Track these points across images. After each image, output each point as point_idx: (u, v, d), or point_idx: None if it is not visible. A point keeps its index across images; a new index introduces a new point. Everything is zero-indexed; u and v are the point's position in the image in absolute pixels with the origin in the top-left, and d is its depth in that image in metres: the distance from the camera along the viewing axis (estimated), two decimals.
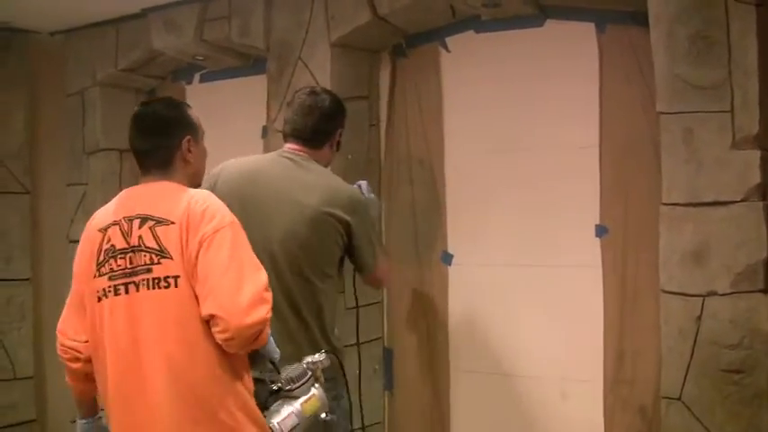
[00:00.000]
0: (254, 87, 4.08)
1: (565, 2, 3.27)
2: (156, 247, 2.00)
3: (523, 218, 3.43)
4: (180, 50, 4.19)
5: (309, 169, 2.63)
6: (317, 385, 2.16)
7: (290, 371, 2.13)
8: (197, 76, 4.49)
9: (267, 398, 2.12)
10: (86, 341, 2.11)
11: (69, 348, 2.14)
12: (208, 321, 1.95)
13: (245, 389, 2.03)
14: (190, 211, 2.00)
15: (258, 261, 2.02)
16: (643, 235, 3.06)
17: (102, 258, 2.06)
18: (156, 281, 1.98)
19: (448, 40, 3.64)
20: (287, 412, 2.08)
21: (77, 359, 2.14)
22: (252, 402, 2.04)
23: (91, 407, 2.27)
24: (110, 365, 2.03)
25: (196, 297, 1.97)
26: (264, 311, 1.93)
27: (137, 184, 2.18)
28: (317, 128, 2.68)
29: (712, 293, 2.60)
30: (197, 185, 2.21)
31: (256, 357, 2.08)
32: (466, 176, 3.60)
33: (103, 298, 2.04)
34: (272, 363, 2.10)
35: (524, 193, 3.43)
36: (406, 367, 3.76)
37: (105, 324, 2.03)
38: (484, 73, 3.54)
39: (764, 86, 2.56)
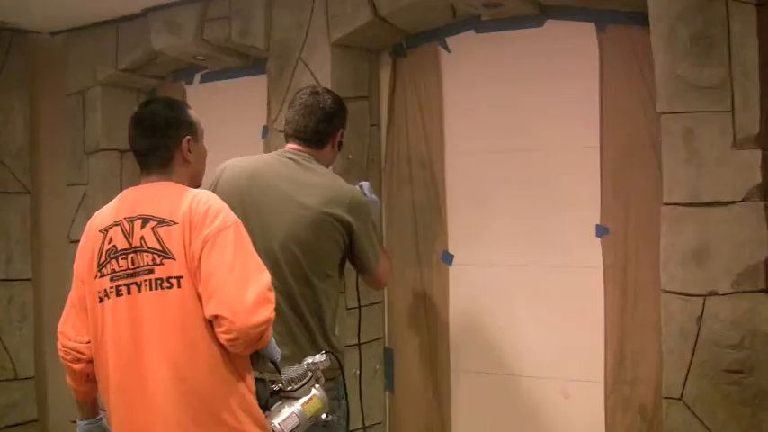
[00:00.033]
0: (255, 87, 4.08)
1: (565, 2, 3.26)
2: (158, 247, 1.99)
3: (524, 218, 3.43)
4: (180, 51, 4.19)
5: (311, 169, 2.63)
6: (317, 386, 2.17)
7: (290, 371, 2.14)
8: (197, 77, 4.48)
9: (268, 398, 2.13)
10: (88, 342, 2.11)
11: (71, 349, 2.14)
12: (211, 322, 1.96)
13: (247, 389, 2.03)
14: (192, 211, 2.00)
15: (261, 261, 2.03)
16: (644, 235, 3.07)
17: (103, 259, 2.05)
18: (159, 281, 1.98)
19: (448, 40, 3.64)
20: (288, 413, 2.08)
21: (79, 360, 2.14)
22: (254, 403, 2.04)
23: (92, 408, 2.26)
24: (111, 366, 2.03)
25: (199, 297, 1.97)
26: (269, 311, 1.94)
27: (137, 184, 2.17)
28: (319, 128, 2.68)
29: (713, 293, 2.60)
30: (197, 186, 2.21)
31: (257, 358, 2.08)
32: (466, 176, 3.59)
33: (105, 299, 2.04)
34: (274, 363, 2.10)
35: (525, 193, 3.42)
36: (407, 367, 3.75)
37: (107, 325, 2.03)
38: (484, 73, 3.54)
39: (765, 86, 2.56)
